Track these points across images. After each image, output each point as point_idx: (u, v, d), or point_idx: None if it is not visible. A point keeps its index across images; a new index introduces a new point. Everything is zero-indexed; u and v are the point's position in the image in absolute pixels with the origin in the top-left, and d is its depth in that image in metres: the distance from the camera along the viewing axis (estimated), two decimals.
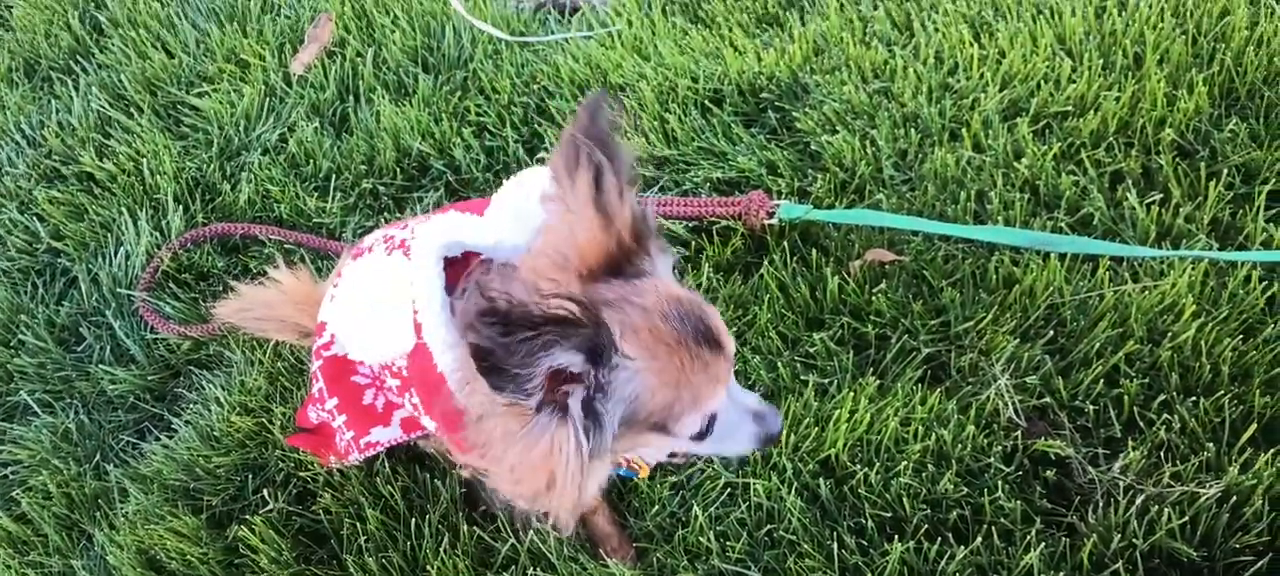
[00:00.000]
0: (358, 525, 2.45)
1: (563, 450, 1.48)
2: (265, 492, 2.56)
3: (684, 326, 1.55)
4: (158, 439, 2.83)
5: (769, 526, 2.26)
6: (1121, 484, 2.17)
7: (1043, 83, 2.88)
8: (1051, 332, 2.41)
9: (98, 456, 2.86)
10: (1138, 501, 2.12)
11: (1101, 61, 2.88)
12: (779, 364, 2.48)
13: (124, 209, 3.40)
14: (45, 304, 3.29)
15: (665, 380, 1.54)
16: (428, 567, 2.35)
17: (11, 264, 3.44)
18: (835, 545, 2.18)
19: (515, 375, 1.34)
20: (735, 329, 2.60)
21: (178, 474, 2.67)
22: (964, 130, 2.82)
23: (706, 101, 3.15)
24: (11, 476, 2.91)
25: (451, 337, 1.70)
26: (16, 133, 3.88)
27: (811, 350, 2.51)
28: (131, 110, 3.79)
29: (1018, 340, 2.41)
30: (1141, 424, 2.26)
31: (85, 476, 2.81)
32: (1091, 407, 2.29)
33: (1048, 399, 2.33)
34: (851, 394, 2.37)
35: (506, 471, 1.56)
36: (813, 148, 2.94)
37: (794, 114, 3.03)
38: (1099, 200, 2.59)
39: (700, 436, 1.65)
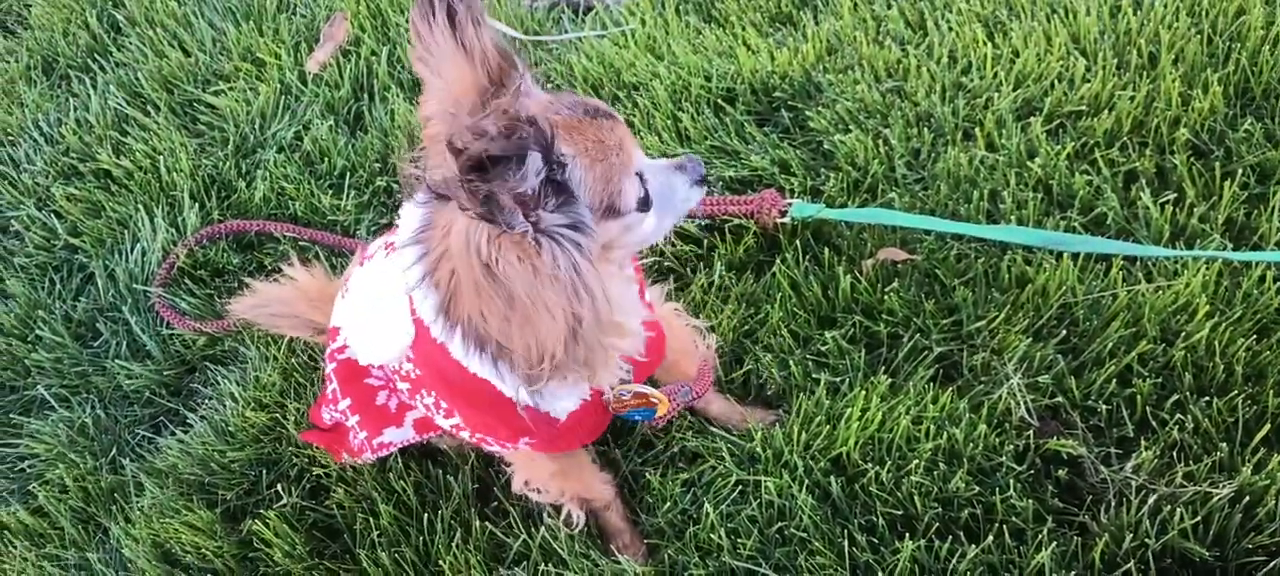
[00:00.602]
0: (371, 520, 2.47)
1: (574, 267, 1.52)
2: (279, 487, 2.58)
3: (577, 111, 1.63)
4: (173, 433, 2.86)
5: (780, 523, 2.27)
6: (1134, 483, 2.16)
7: (1057, 82, 2.87)
8: (1064, 332, 2.41)
9: (113, 450, 2.89)
10: (1150, 501, 2.11)
11: (1116, 61, 2.87)
12: (791, 362, 2.48)
13: (140, 206, 3.43)
14: (62, 299, 3.32)
15: (594, 157, 1.59)
16: (440, 562, 2.37)
17: (30, 260, 3.47)
18: (846, 543, 2.19)
19: (508, 200, 1.38)
20: (747, 327, 2.60)
21: (193, 468, 2.69)
22: (977, 129, 2.82)
23: (719, 100, 3.15)
24: (28, 470, 2.95)
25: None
26: (35, 130, 3.92)
27: (823, 348, 2.51)
28: (148, 108, 3.82)
29: (1030, 339, 2.41)
30: (1154, 423, 2.25)
31: (101, 470, 2.84)
32: (1104, 407, 2.29)
33: (1060, 398, 2.32)
34: (863, 392, 2.37)
35: (545, 326, 1.57)
36: (825, 146, 2.94)
37: (807, 113, 3.03)
38: (1113, 200, 2.58)
39: (645, 204, 1.70)
